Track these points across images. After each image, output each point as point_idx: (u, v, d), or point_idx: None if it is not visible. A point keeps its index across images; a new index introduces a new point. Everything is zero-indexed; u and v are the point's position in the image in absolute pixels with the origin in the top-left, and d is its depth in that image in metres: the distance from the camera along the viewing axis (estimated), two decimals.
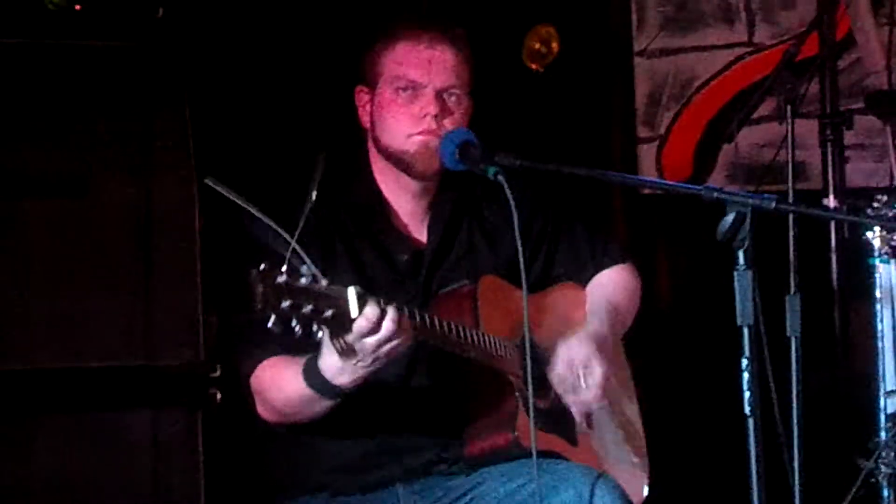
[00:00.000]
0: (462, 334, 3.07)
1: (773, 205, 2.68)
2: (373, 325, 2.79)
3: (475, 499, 3.19)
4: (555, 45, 5.29)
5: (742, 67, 5.47)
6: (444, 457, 3.21)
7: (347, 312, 2.75)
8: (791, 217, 4.16)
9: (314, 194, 2.91)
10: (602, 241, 3.50)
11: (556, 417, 3.25)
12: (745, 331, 2.65)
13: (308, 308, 2.66)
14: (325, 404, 3.00)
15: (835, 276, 4.68)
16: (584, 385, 3.20)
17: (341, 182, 3.24)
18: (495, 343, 3.15)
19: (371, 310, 2.78)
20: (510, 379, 3.17)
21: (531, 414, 3.00)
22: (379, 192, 3.28)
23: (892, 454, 3.91)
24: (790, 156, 4.31)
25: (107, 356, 3.92)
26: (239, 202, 2.91)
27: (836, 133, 4.65)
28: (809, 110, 4.73)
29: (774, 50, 5.38)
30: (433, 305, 3.17)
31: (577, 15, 5.35)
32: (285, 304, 2.63)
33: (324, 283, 2.70)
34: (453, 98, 3.23)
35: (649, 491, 3.44)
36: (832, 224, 4.63)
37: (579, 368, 3.19)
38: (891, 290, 3.98)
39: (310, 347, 2.89)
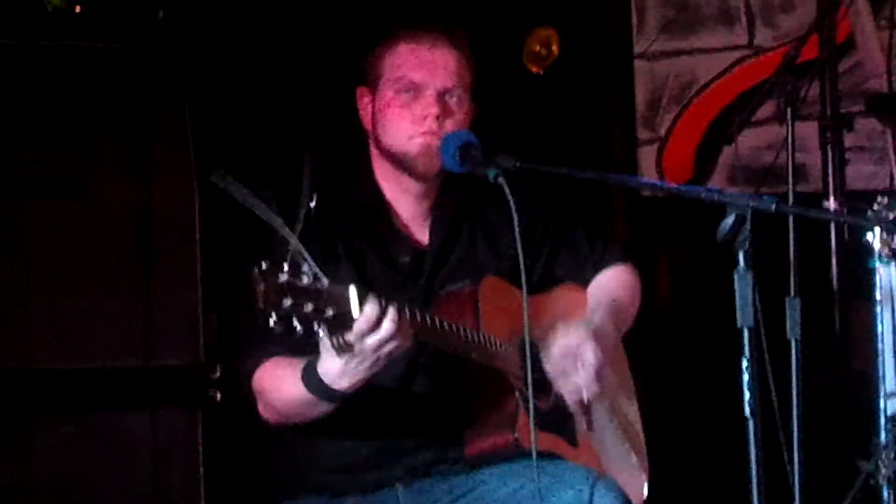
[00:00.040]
0: (463, 335, 3.06)
1: (774, 206, 2.68)
2: (373, 323, 2.78)
3: (475, 499, 3.18)
4: (555, 47, 5.29)
5: (742, 70, 5.47)
6: (445, 457, 3.20)
7: (349, 311, 2.74)
8: (791, 219, 4.16)
9: (313, 194, 2.91)
10: (602, 242, 3.50)
11: (557, 418, 3.25)
12: (746, 332, 2.65)
13: (309, 307, 2.65)
14: (324, 408, 2.99)
15: (835, 277, 4.68)
16: (577, 369, 3.17)
17: (342, 183, 3.25)
18: (496, 344, 3.15)
19: (371, 308, 2.77)
20: (511, 380, 3.17)
21: (531, 414, 2.99)
22: (380, 194, 3.27)
23: (892, 456, 3.91)
24: (790, 158, 4.32)
25: (106, 356, 3.93)
26: (246, 198, 2.89)
27: (837, 135, 4.65)
28: (810, 113, 4.72)
29: (775, 52, 5.39)
30: (434, 306, 3.16)
31: (577, 17, 5.35)
32: (287, 303, 2.62)
33: (325, 282, 2.70)
34: (454, 99, 3.22)
35: (649, 491, 3.44)
36: (832, 226, 4.63)
37: (572, 353, 3.15)
38: (891, 292, 3.97)
39: (310, 348, 2.89)
